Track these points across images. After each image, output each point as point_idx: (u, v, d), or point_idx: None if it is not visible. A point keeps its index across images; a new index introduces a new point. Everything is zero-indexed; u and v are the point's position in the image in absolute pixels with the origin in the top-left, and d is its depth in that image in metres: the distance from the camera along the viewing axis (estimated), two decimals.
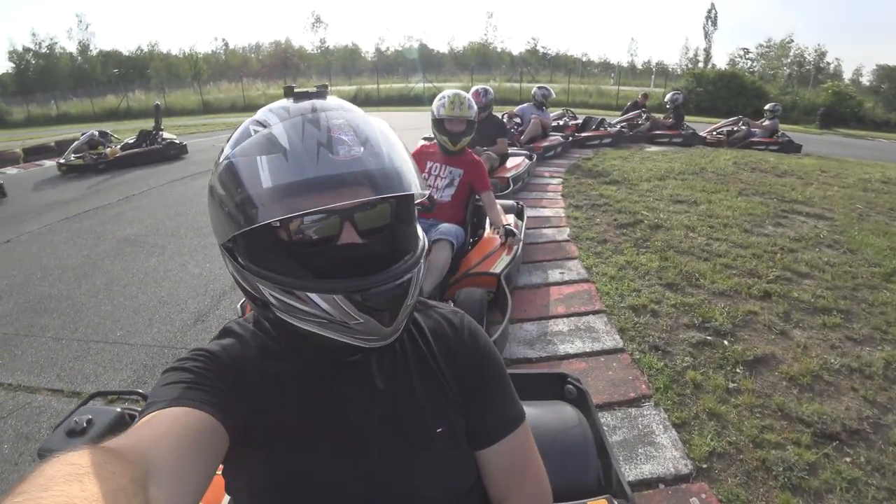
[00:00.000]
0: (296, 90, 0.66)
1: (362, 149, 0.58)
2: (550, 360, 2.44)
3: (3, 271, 4.04)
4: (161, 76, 40.67)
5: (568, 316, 2.85)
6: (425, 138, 5.15)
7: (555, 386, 1.30)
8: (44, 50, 46.37)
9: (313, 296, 0.58)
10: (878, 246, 4.03)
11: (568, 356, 2.47)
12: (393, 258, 0.63)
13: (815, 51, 46.23)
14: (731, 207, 5.04)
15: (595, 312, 2.87)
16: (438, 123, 3.13)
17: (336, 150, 0.57)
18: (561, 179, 6.18)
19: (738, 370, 2.34)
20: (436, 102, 3.18)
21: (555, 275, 3.37)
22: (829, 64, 46.52)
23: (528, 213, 4.25)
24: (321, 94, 0.66)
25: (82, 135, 9.10)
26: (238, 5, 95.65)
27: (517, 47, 59.57)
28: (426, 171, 3.19)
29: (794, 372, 2.30)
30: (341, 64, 46.30)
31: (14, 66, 45.63)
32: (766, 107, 11.67)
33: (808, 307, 2.97)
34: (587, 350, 2.51)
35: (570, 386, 1.27)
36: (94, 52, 49.76)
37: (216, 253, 3.92)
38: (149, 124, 10.12)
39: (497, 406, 0.77)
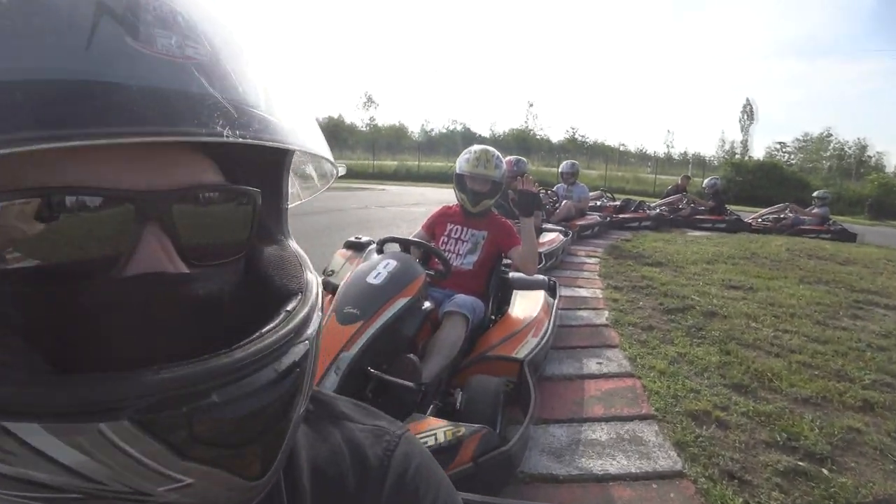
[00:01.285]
0: None
1: (196, 48, 0.26)
2: (584, 481, 1.84)
3: None
4: None
5: (608, 420, 2.25)
6: None
7: None
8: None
9: (42, 438, 0.22)
10: None
11: (608, 478, 1.86)
12: (251, 322, 0.30)
13: (856, 144, 45.99)
14: (795, 296, 4.41)
15: (643, 418, 2.27)
16: (460, 180, 2.79)
17: (145, 35, 0.25)
18: (598, 259, 5.68)
19: None
20: (461, 157, 2.84)
21: (591, 365, 2.79)
22: (870, 157, 45.96)
23: (563, 291, 3.75)
24: None
25: None
26: (304, 82, 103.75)
27: (556, 135, 61.59)
28: (446, 233, 2.81)
29: None
30: (387, 141, 48.61)
31: None
32: (815, 194, 11.18)
33: None
34: (634, 471, 1.89)
35: None
36: None
37: None
38: None
39: None
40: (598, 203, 9.28)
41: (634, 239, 7.33)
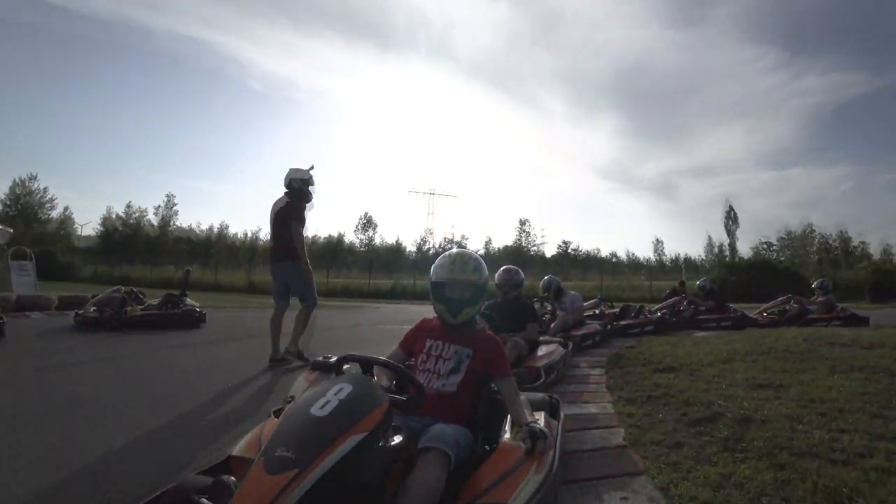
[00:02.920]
0: None
1: None
2: None
3: None
4: (221, 256, 44.99)
5: None
6: None
7: None
8: (132, 221, 54.86)
9: None
10: None
11: None
12: None
13: (839, 236, 47.41)
14: (833, 388, 3.84)
15: None
16: (437, 288, 2.41)
17: None
18: (603, 370, 5.11)
19: None
20: (436, 263, 2.49)
21: (614, 502, 2.17)
22: (854, 247, 47.06)
23: (567, 409, 3.18)
24: None
25: (110, 290, 9.05)
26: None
27: (549, 250, 63.17)
28: (425, 350, 2.39)
29: None
30: (384, 260, 49.29)
31: (103, 230, 53.92)
32: (814, 284, 10.99)
33: None
34: None
35: None
36: (173, 228, 57.57)
37: (157, 432, 2.72)
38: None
39: None
40: (597, 311, 8.89)
41: (639, 345, 6.80)
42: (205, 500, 1.64)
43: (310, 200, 5.70)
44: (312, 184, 5.69)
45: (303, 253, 5.47)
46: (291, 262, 5.48)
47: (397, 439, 1.83)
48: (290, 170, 5.64)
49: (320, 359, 2.80)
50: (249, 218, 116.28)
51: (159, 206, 57.67)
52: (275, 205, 5.65)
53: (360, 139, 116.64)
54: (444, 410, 2.14)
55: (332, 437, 1.48)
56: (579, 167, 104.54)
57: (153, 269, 32.07)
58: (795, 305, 10.21)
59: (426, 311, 6.65)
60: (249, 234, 62.15)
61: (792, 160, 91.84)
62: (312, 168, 5.73)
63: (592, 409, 3.66)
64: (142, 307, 8.95)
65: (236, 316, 12.20)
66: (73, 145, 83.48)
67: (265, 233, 66.50)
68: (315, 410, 1.55)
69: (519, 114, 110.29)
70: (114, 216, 55.39)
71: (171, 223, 58.27)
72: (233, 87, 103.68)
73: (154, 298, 9.63)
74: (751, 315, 10.06)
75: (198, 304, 9.79)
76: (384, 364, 2.08)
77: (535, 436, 1.94)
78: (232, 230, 63.78)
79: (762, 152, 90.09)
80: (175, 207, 58.45)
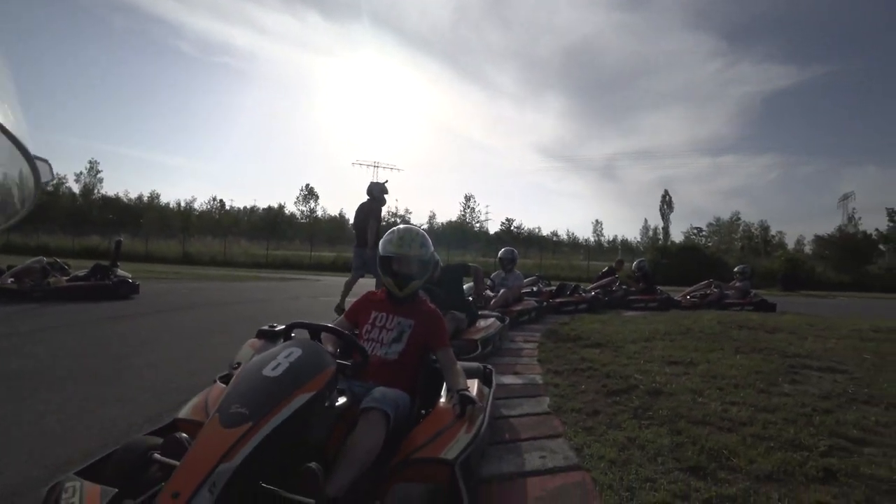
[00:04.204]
0: None
1: None
2: None
3: None
4: (152, 226, 42.46)
5: None
6: None
7: None
8: (49, 188, 49.40)
9: None
10: None
11: None
12: None
13: (760, 225, 51.01)
14: (734, 366, 4.33)
15: None
16: (385, 262, 2.59)
17: None
18: (536, 344, 5.47)
19: None
20: (384, 237, 2.65)
21: (534, 460, 2.45)
22: (773, 237, 50.87)
23: (500, 379, 3.46)
24: None
25: (31, 260, 8.56)
26: (244, 171, 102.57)
27: (493, 227, 64.22)
28: (370, 321, 2.57)
29: None
30: (326, 233, 48.43)
31: None
32: (736, 269, 11.88)
33: (892, 487, 2.10)
34: None
35: None
36: (97, 196, 52.87)
37: (106, 405, 2.92)
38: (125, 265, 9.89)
39: None
40: (535, 289, 9.30)
41: (572, 322, 7.24)
42: (158, 455, 1.76)
43: (385, 203, 7.72)
44: (387, 192, 7.69)
45: (375, 242, 6.76)
46: (368, 247, 7.17)
47: (342, 401, 2.02)
48: (372, 182, 7.67)
49: (265, 327, 2.92)
50: (186, 188, 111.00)
51: (81, 173, 53.64)
52: (360, 206, 7.57)
53: (302, 108, 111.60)
54: (387, 377, 2.33)
55: (283, 395, 1.63)
56: (525, 145, 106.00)
57: (76, 238, 29.84)
58: (716, 290, 11.07)
59: (370, 284, 6.78)
60: (183, 204, 59.26)
61: (725, 147, 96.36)
62: (387, 181, 7.87)
63: (521, 380, 3.97)
64: (66, 278, 8.54)
65: (170, 288, 11.86)
66: None
67: (200, 202, 62.85)
68: (268, 371, 1.70)
69: (466, 89, 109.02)
70: None
71: (96, 191, 54.46)
72: (161, 49, 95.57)
73: (81, 269, 9.19)
74: (676, 297, 10.81)
75: (129, 275, 9.47)
76: (331, 331, 2.24)
77: (465, 401, 2.17)
78: (164, 198, 60.58)
79: (699, 138, 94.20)
80: (100, 175, 54.49)
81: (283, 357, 1.77)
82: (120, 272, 9.24)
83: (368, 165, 57.00)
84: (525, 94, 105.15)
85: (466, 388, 2.31)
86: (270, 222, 55.88)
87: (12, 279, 7.98)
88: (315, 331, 2.19)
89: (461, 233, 52.44)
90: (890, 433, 2.75)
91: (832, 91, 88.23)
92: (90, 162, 55.42)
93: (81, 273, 8.87)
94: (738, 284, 11.18)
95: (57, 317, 6.58)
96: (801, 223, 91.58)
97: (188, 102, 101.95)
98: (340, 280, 9.67)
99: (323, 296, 11.16)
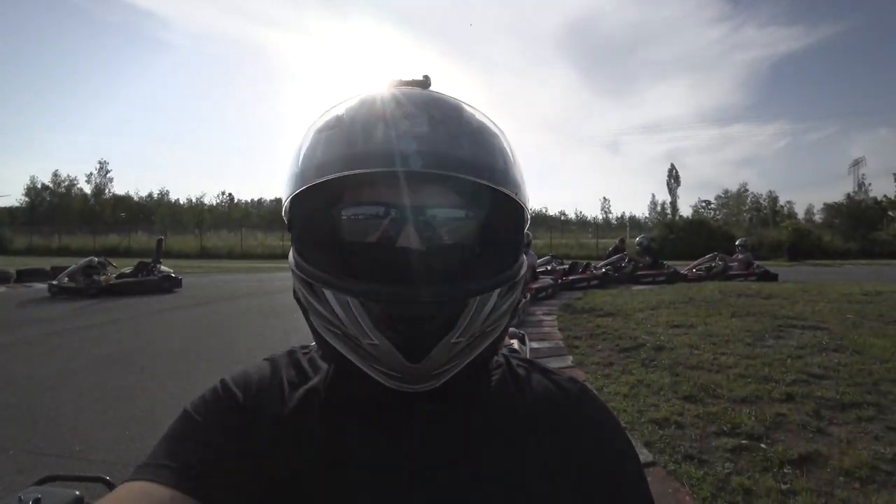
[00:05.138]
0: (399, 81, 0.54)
1: (427, 128, 0.45)
2: None
3: None
4: (165, 221, 43.42)
5: None
6: None
7: None
8: (61, 189, 51.72)
9: (329, 295, 0.45)
10: (881, 346, 3.98)
11: None
12: (459, 277, 0.46)
13: (768, 196, 50.87)
14: (728, 327, 5.04)
15: None
16: None
17: (397, 125, 0.45)
18: (555, 316, 6.21)
19: (785, 470, 2.13)
20: None
21: None
22: (782, 207, 50.69)
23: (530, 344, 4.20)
24: (423, 83, 0.55)
25: (83, 261, 9.35)
26: (249, 163, 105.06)
27: None
28: None
29: (848, 466, 2.11)
30: None
31: (28, 200, 50.10)
32: (737, 242, 12.43)
33: (835, 404, 2.82)
34: None
35: None
36: (108, 196, 53.67)
37: (198, 376, 3.89)
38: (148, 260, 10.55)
39: None
40: (549, 268, 9.98)
41: (585, 297, 7.96)
42: None
43: None
44: None
45: None
46: None
47: None
48: None
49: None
50: (194, 183, 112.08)
51: (91, 174, 54.21)
52: None
53: (298, 92, 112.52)
54: None
55: None
56: (529, 122, 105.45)
57: (95, 238, 30.64)
58: (720, 262, 11.70)
59: None
60: (194, 199, 59.70)
61: (733, 116, 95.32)
62: None
63: (548, 344, 4.72)
64: (115, 275, 9.37)
65: (202, 282, 12.64)
66: None
67: (210, 197, 63.21)
68: None
69: (465, 65, 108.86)
70: (39, 186, 51.61)
71: (107, 190, 55.19)
72: (150, 43, 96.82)
73: (126, 268, 10.02)
74: (682, 271, 11.45)
75: (172, 271, 10.26)
76: None
77: (512, 352, 2.90)
78: (173, 195, 61.11)
79: (706, 108, 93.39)
80: (109, 174, 55.20)
81: None
82: (163, 268, 10.08)
83: None
84: (527, 68, 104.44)
85: (511, 345, 3.04)
86: (279, 214, 56.51)
87: (68, 278, 8.83)
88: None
89: None
90: (847, 371, 3.45)
91: (842, 51, 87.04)
92: (100, 162, 56.30)
93: (127, 270, 9.71)
94: (740, 256, 11.79)
95: (121, 310, 7.40)
96: (812, 192, 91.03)
97: (181, 94, 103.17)
98: None
99: None
